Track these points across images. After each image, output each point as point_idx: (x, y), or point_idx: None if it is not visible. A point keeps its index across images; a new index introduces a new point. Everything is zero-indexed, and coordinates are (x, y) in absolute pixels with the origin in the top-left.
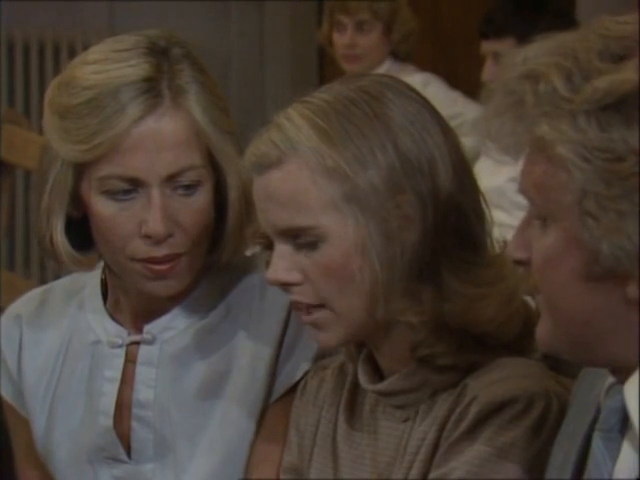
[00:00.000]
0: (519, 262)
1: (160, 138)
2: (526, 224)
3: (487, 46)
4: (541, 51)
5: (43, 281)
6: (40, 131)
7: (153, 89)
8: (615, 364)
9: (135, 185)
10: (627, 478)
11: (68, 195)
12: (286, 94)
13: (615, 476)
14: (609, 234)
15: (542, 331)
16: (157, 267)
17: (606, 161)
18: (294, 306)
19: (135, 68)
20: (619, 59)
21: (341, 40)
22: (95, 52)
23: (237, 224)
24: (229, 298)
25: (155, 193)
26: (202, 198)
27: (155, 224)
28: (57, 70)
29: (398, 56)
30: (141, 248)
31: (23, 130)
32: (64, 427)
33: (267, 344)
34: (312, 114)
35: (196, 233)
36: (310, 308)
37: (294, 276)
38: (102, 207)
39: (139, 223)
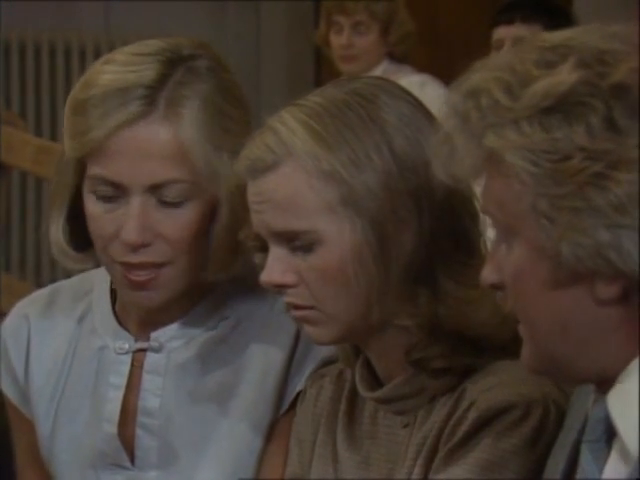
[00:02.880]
0: (494, 286)
1: (146, 146)
2: (495, 249)
3: (509, 31)
4: (479, 70)
5: (38, 283)
6: (36, 132)
7: (148, 97)
8: (599, 378)
9: (119, 190)
10: None
11: (69, 190)
12: (282, 95)
13: None
14: (566, 233)
15: (525, 354)
16: (134, 278)
17: (554, 162)
18: (287, 307)
19: (138, 74)
20: (554, 65)
21: (338, 41)
22: (120, 52)
23: (225, 238)
24: (239, 309)
25: (135, 202)
26: (189, 212)
27: (129, 232)
28: (53, 71)
29: (395, 57)
30: (119, 251)
31: (20, 131)
32: (68, 431)
33: (277, 357)
34: (307, 117)
35: (180, 245)
36: (301, 307)
37: (289, 278)
38: (91, 206)
39: (118, 227)
